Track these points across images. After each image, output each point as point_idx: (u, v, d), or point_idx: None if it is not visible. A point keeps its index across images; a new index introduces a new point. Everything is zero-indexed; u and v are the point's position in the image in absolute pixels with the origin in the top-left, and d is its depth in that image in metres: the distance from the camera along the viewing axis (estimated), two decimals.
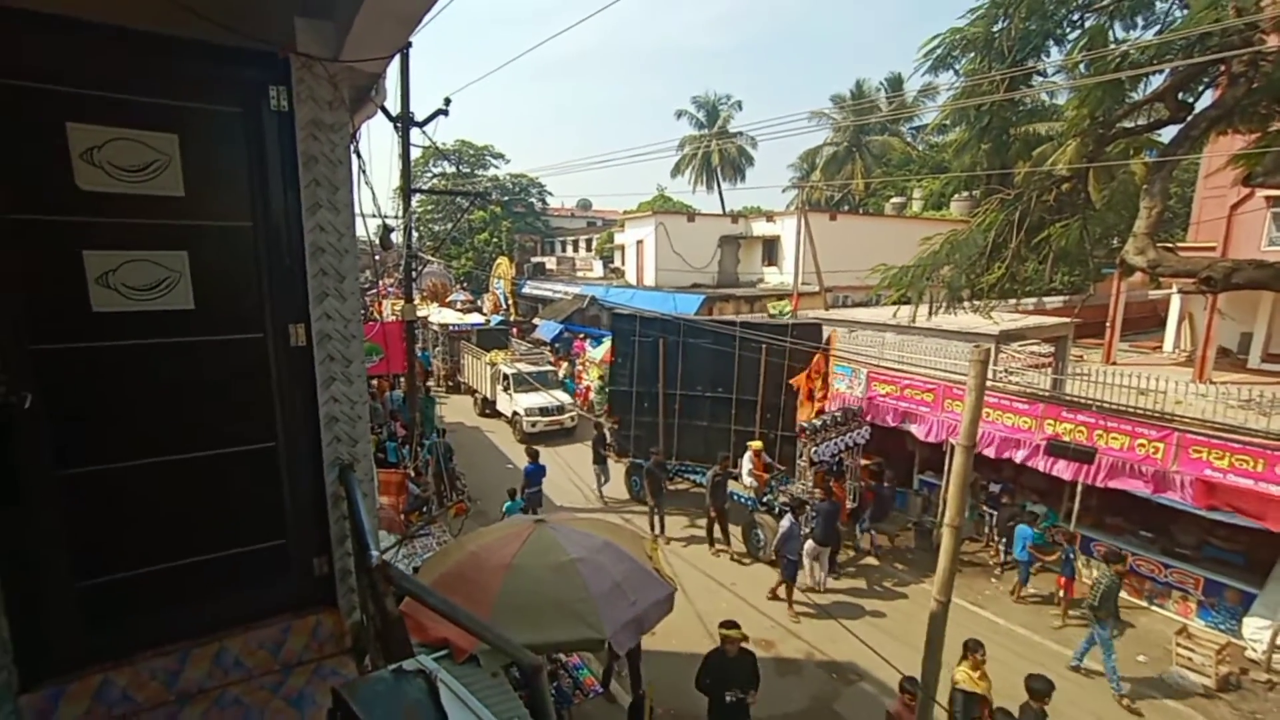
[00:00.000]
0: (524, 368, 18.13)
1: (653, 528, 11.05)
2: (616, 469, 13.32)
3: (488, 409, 19.54)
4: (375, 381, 15.96)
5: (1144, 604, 9.19)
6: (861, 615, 9.03)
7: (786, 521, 8.85)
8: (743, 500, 10.89)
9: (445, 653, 4.31)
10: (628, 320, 13.30)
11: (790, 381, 11.14)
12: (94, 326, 2.26)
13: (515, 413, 17.36)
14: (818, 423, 10.34)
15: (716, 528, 10.77)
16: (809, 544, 9.22)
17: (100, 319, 2.26)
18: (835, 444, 10.34)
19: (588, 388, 19.55)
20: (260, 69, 2.40)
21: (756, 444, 11.01)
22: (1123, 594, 9.06)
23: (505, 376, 17.96)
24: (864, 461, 11.28)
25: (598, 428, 13.49)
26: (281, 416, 2.72)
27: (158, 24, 2.14)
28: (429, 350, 22.83)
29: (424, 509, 10.56)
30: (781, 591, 9.13)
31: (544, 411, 16.94)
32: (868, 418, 11.54)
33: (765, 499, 10.59)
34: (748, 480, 10.79)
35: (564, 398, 17.69)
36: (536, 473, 11.37)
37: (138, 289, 2.29)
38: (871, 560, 10.69)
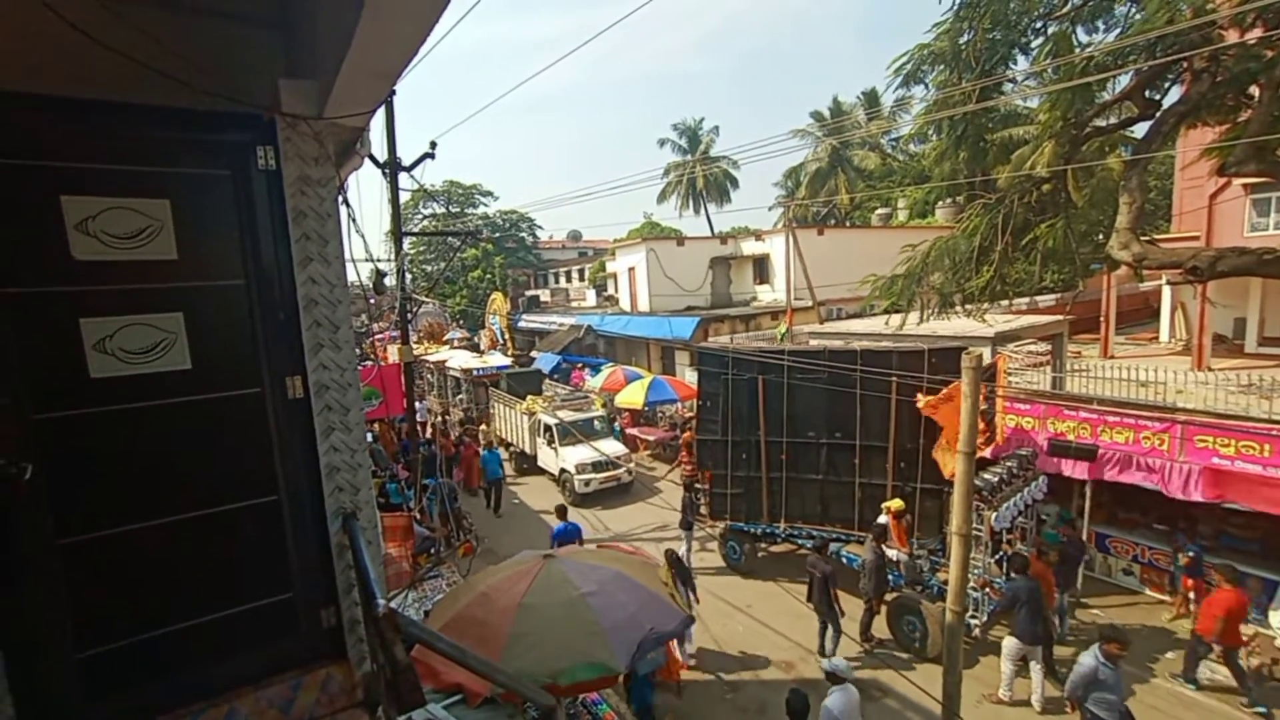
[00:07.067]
0: (568, 415, 15.63)
1: (823, 648, 8.31)
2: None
3: (525, 464, 17.12)
4: (377, 425, 15.89)
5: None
6: None
7: (1089, 660, 5.71)
8: (889, 576, 8.68)
9: (459, 697, 4.23)
10: (715, 358, 11.02)
11: (936, 419, 8.38)
12: (92, 392, 2.28)
13: (563, 470, 15.04)
14: (993, 478, 8.14)
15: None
16: (1010, 644, 7.21)
17: (98, 384, 2.28)
18: (1015, 504, 8.24)
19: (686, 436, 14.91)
20: (247, 131, 2.48)
21: (896, 503, 8.85)
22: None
23: (547, 428, 15.62)
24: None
25: (688, 489, 11.42)
26: (282, 469, 2.73)
27: (147, 97, 2.21)
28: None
29: (432, 550, 10.46)
30: None
31: (597, 467, 14.55)
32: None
33: (909, 563, 8.70)
34: (891, 553, 8.70)
35: (617, 448, 15.38)
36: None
37: (135, 353, 2.32)
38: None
